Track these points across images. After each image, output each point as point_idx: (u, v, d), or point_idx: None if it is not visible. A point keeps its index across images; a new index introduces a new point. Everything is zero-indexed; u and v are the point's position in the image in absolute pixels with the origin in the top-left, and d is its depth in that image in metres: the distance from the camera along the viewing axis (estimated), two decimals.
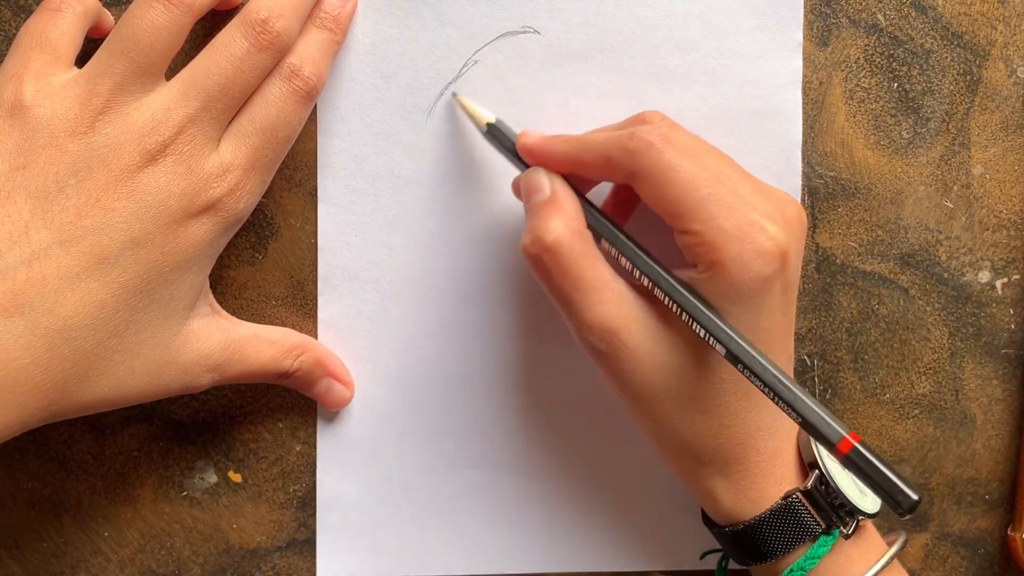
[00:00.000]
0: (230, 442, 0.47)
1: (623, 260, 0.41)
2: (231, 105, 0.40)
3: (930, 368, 0.49)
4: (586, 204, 0.41)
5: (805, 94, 0.47)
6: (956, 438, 0.49)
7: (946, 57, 0.47)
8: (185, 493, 0.47)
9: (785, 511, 0.41)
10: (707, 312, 0.39)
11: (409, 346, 0.47)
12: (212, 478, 0.47)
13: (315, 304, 0.46)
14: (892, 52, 0.47)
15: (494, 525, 0.48)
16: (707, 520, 0.45)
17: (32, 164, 0.38)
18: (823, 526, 0.41)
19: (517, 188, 0.43)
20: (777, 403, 0.38)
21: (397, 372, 0.47)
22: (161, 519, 0.47)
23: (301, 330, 0.46)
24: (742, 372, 0.38)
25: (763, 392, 0.38)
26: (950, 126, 0.48)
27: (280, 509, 0.48)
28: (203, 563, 0.48)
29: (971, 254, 0.48)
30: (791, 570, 0.41)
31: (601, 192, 0.45)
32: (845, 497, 0.41)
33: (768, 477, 0.42)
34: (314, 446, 0.47)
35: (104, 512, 0.47)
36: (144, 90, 0.39)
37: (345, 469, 0.47)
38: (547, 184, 0.41)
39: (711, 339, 0.38)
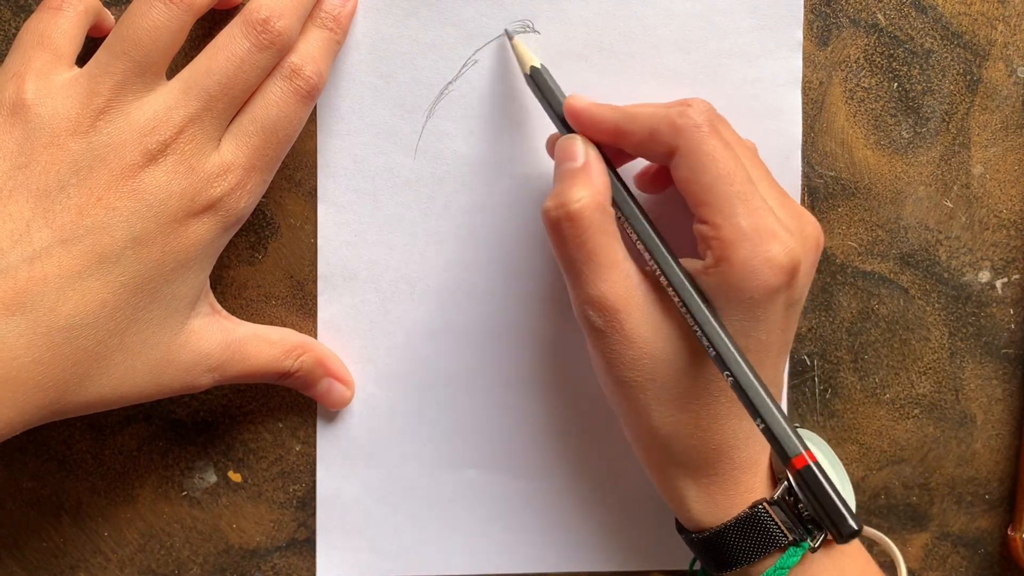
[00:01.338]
0: (230, 442, 0.47)
1: (638, 244, 0.41)
2: (232, 104, 0.40)
3: (930, 368, 0.49)
4: (615, 180, 0.41)
5: (805, 94, 0.47)
6: (956, 438, 0.49)
7: (946, 57, 0.47)
8: (185, 493, 0.47)
9: (751, 520, 0.41)
10: (700, 303, 0.39)
11: (409, 346, 0.47)
12: (212, 478, 0.47)
13: (315, 304, 0.46)
14: (892, 52, 0.47)
15: (494, 525, 0.48)
16: (679, 526, 0.45)
17: (33, 163, 0.38)
18: (789, 537, 0.41)
19: (551, 147, 0.44)
20: (741, 400, 0.38)
21: (397, 372, 0.47)
22: (161, 519, 0.47)
23: (301, 330, 0.46)
24: (716, 365, 0.38)
25: (730, 386, 0.38)
26: (950, 126, 0.48)
27: (280, 509, 0.48)
28: (203, 563, 0.48)
29: (971, 254, 0.48)
30: None
31: (632, 169, 0.45)
32: (812, 509, 0.41)
33: (739, 486, 0.42)
34: (314, 446, 0.47)
35: (104, 512, 0.47)
36: (145, 89, 0.39)
37: (345, 469, 0.47)
38: (581, 153, 0.41)
39: (695, 327, 0.39)
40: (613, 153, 0.42)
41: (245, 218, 0.41)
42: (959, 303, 0.49)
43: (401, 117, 0.46)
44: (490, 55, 0.46)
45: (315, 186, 0.46)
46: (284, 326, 0.46)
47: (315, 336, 0.46)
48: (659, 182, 0.45)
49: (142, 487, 0.47)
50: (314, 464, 0.47)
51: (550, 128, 0.46)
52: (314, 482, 0.47)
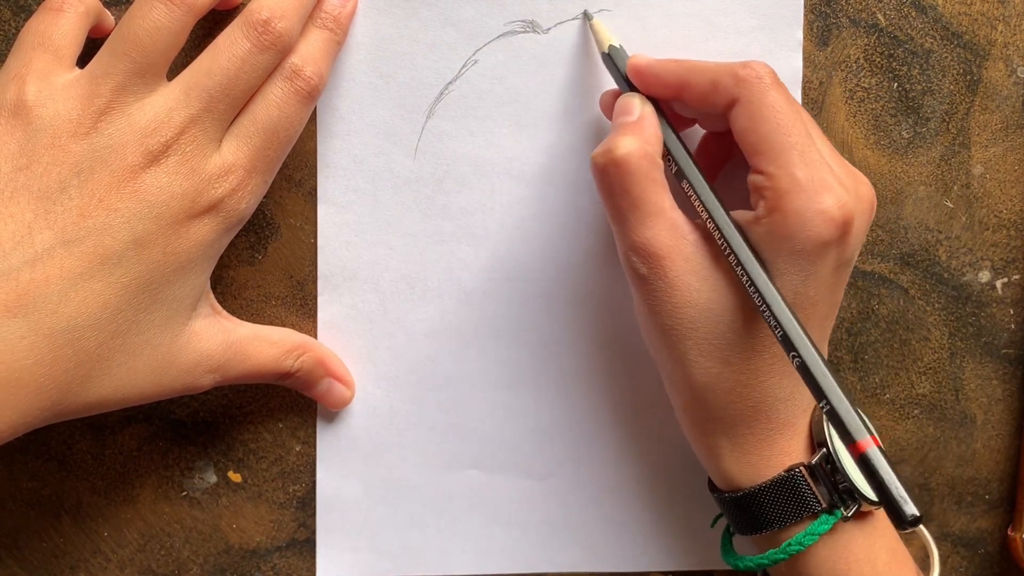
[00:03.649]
0: (230, 442, 0.47)
1: (692, 197, 0.41)
2: (233, 105, 0.40)
3: (930, 368, 0.49)
4: (670, 134, 0.42)
5: (805, 94, 0.47)
6: (956, 438, 0.49)
7: (946, 57, 0.47)
8: (185, 493, 0.47)
9: (786, 484, 0.41)
10: (756, 262, 0.39)
11: (409, 346, 0.47)
12: (212, 478, 0.47)
13: (315, 304, 0.46)
14: (892, 52, 0.47)
15: (494, 525, 0.48)
16: (711, 485, 0.45)
17: (35, 164, 0.38)
18: (823, 504, 0.41)
19: (605, 105, 0.45)
20: (805, 380, 0.37)
21: (397, 372, 0.47)
22: (161, 519, 0.47)
23: (301, 330, 0.46)
24: (776, 335, 0.38)
25: (793, 364, 0.38)
26: (950, 126, 0.48)
27: (280, 509, 0.48)
28: (203, 563, 0.48)
29: (971, 254, 0.48)
30: (789, 543, 0.41)
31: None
32: (850, 480, 0.40)
33: (774, 447, 0.42)
34: (314, 446, 0.47)
35: (104, 512, 0.47)
36: (146, 90, 0.39)
37: (345, 469, 0.47)
38: (637, 109, 0.42)
39: (752, 289, 0.39)
40: (672, 116, 0.43)
41: (246, 219, 0.42)
42: (959, 303, 0.49)
43: (401, 117, 0.46)
44: (490, 55, 0.46)
45: (315, 186, 0.46)
46: (284, 326, 0.46)
47: (315, 336, 0.46)
48: (711, 160, 0.46)
49: (142, 487, 0.47)
50: (314, 464, 0.47)
51: (550, 127, 0.46)
52: (314, 482, 0.47)
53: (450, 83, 0.46)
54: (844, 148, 0.47)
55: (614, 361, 0.47)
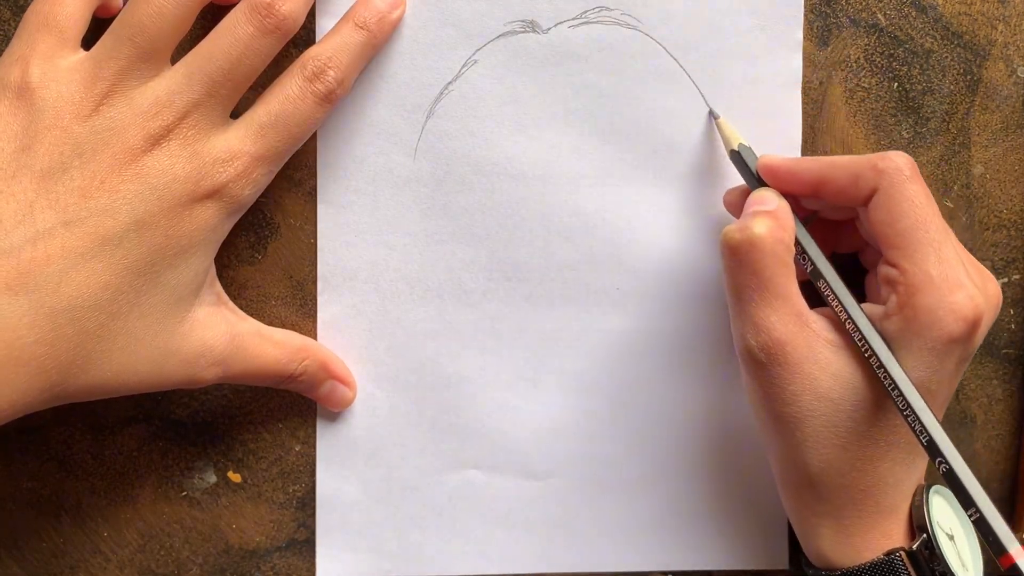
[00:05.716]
0: (230, 442, 0.47)
1: (828, 296, 0.41)
2: (236, 89, 0.40)
3: None
4: (802, 230, 0.42)
5: (805, 94, 0.47)
6: (956, 438, 0.49)
7: (946, 57, 0.47)
8: (184, 493, 0.47)
9: (885, 567, 0.41)
10: (898, 366, 0.39)
11: (409, 346, 0.47)
12: (211, 478, 0.47)
13: (315, 304, 0.46)
14: (892, 52, 0.47)
15: (494, 525, 0.48)
16: (804, 561, 0.44)
17: (37, 145, 0.38)
18: None
19: (732, 203, 0.45)
20: (952, 488, 0.38)
21: (397, 372, 0.47)
22: (161, 519, 0.47)
23: (301, 330, 0.46)
24: (921, 440, 0.38)
25: (939, 471, 0.38)
26: (950, 126, 0.48)
27: (280, 509, 0.47)
28: (202, 563, 0.48)
29: (971, 254, 0.48)
30: None
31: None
32: (948, 566, 0.40)
33: (876, 529, 0.41)
34: (314, 446, 0.47)
35: (103, 512, 0.47)
36: (149, 74, 0.39)
37: (345, 469, 0.47)
38: (774, 200, 0.42)
39: (896, 393, 0.39)
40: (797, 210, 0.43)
41: (247, 206, 0.42)
42: None
43: (401, 117, 0.46)
44: (490, 55, 0.46)
45: (315, 186, 0.46)
46: (284, 326, 0.46)
47: (315, 336, 0.46)
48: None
49: (142, 487, 0.47)
50: (314, 464, 0.47)
51: (550, 127, 0.46)
52: (314, 482, 0.47)
53: (450, 83, 0.46)
54: (844, 148, 0.47)
55: (614, 361, 0.47)
